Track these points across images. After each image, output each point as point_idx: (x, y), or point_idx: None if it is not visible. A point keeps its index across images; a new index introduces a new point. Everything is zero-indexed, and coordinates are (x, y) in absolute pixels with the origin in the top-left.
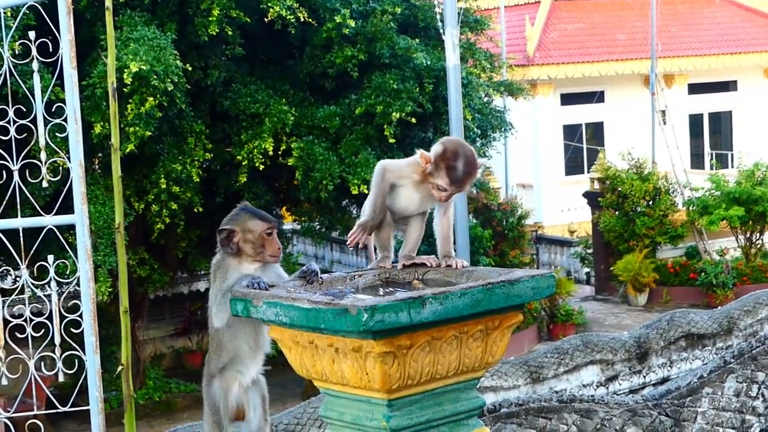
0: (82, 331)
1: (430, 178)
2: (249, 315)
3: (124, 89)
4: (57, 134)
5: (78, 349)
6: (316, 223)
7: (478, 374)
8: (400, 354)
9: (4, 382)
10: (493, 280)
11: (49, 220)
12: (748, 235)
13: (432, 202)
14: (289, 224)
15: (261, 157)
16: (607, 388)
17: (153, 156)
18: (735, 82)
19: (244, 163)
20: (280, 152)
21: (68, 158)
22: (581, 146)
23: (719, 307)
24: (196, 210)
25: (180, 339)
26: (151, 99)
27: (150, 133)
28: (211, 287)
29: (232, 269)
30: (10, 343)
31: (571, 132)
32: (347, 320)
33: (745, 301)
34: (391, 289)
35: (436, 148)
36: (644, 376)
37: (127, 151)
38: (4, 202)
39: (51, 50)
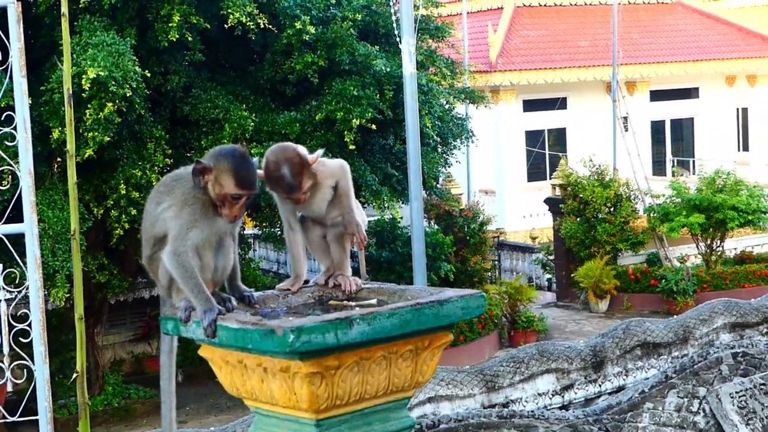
0: (32, 340)
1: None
2: (179, 334)
3: (83, 94)
4: (7, 143)
5: (27, 358)
6: (277, 229)
7: (408, 394)
8: (328, 374)
9: None
10: (423, 300)
11: None
12: (708, 242)
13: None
14: (250, 229)
15: None
16: (563, 397)
17: (112, 161)
18: (697, 89)
19: None
20: None
21: (18, 167)
22: (543, 152)
23: (675, 317)
24: None
25: (140, 344)
26: (109, 104)
27: (109, 138)
28: (167, 208)
29: (197, 215)
30: None
31: (533, 138)
32: (274, 341)
33: (701, 310)
34: (318, 310)
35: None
36: (600, 385)
37: (86, 156)
38: None
39: (1, 58)
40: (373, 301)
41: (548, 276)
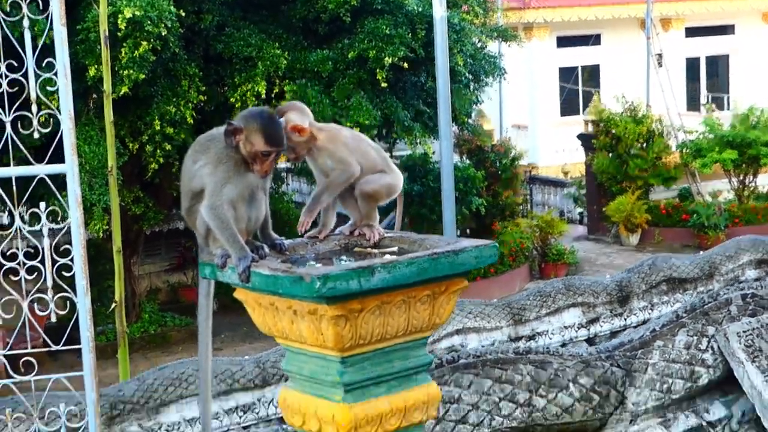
0: (74, 274)
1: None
2: (216, 278)
3: (118, 34)
4: (48, 87)
5: (70, 291)
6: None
7: (425, 334)
8: (352, 317)
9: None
10: (439, 250)
11: (40, 169)
12: (740, 177)
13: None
14: (283, 164)
15: (254, 99)
16: (588, 330)
17: (147, 98)
18: (733, 26)
19: (237, 105)
20: (273, 95)
21: (59, 111)
22: (577, 88)
23: (701, 253)
24: None
25: (175, 274)
26: (144, 43)
27: (144, 76)
28: (203, 166)
29: (231, 171)
30: (4, 284)
31: (566, 74)
32: (302, 287)
33: (727, 246)
34: (344, 256)
35: None
36: (625, 319)
37: (122, 93)
38: None
39: (41, 7)
40: (395, 249)
41: (580, 210)
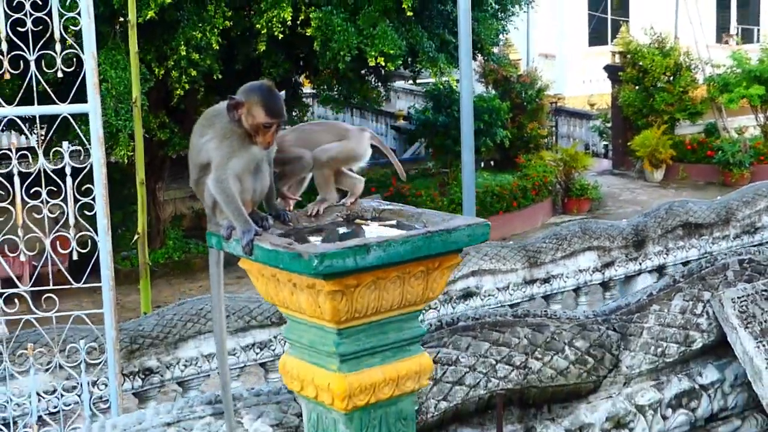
0: (95, 213)
1: None
2: (222, 248)
3: None
4: (71, 26)
5: (91, 230)
6: (335, 92)
7: (419, 307)
8: (348, 292)
9: (23, 258)
10: (433, 229)
11: (64, 108)
12: (767, 114)
13: None
14: (308, 89)
15: (280, 26)
16: (603, 274)
17: (173, 22)
18: None
19: (263, 32)
20: (298, 22)
21: (82, 50)
22: (606, 17)
23: (718, 198)
24: (215, 77)
25: (199, 201)
26: None
27: (170, 0)
28: (209, 140)
29: (236, 145)
30: (28, 221)
31: (595, 2)
32: (300, 264)
33: (745, 191)
34: (343, 228)
35: None
36: (640, 263)
37: (148, 17)
38: (22, 90)
39: None
40: (393, 222)
41: (605, 143)
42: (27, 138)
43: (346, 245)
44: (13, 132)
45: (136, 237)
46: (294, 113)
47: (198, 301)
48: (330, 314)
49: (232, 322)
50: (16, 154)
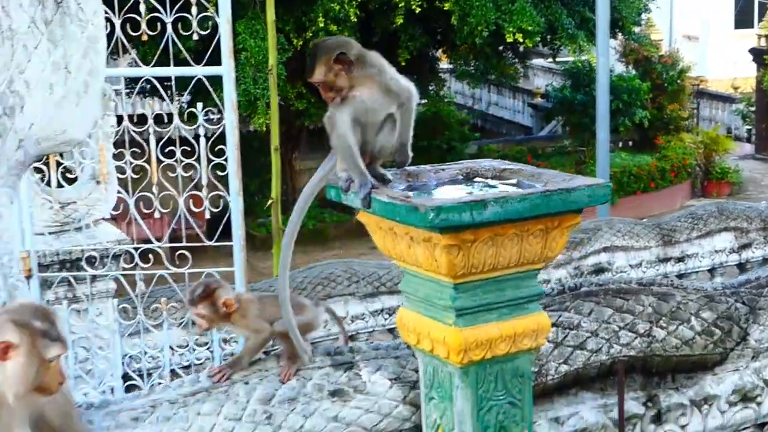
0: (227, 174)
1: None
2: (340, 200)
3: None
4: None
5: (224, 190)
6: (471, 67)
7: (537, 266)
8: (465, 247)
9: (157, 215)
10: (552, 188)
11: (199, 70)
12: None
13: None
14: (445, 64)
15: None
16: (740, 255)
17: None
18: None
19: (401, 5)
20: None
21: (217, 14)
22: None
23: None
24: None
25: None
26: None
27: None
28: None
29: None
30: (162, 180)
31: None
32: (417, 216)
33: None
34: (464, 184)
35: None
36: None
37: None
38: (159, 51)
39: None
40: (514, 182)
41: (748, 127)
42: (164, 101)
43: (462, 199)
44: (155, 98)
45: (269, 202)
46: (430, 87)
47: (327, 266)
48: (446, 268)
49: (361, 287)
50: (152, 115)
